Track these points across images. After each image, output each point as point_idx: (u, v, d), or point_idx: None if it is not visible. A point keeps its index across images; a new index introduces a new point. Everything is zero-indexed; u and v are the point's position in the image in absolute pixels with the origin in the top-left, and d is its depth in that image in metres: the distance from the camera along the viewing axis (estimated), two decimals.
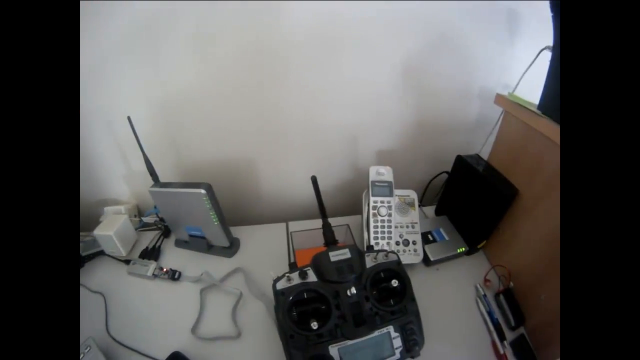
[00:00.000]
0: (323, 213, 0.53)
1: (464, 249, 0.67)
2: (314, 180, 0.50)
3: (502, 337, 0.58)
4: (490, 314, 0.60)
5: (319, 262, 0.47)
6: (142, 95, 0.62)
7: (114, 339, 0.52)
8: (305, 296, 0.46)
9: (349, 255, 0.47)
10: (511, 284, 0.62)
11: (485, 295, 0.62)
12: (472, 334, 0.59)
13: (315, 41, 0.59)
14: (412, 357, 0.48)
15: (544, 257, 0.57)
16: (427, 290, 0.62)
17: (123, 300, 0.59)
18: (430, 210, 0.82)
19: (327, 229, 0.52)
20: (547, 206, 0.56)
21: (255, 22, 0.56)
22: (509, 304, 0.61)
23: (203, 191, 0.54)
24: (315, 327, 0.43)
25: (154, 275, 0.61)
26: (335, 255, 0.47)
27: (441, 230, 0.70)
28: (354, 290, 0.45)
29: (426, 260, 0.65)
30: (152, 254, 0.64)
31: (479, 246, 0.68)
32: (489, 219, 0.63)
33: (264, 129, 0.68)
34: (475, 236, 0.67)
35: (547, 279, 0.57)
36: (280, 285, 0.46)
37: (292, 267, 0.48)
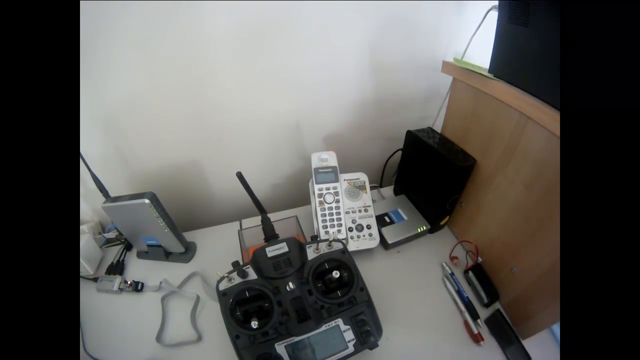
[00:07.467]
0: (259, 207, 0.51)
1: (424, 227, 0.64)
2: (239, 175, 0.48)
3: (474, 316, 0.55)
4: (459, 292, 0.57)
5: (257, 259, 0.46)
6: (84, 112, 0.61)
7: (91, 356, 0.53)
8: (247, 295, 0.45)
9: (286, 249, 0.45)
10: (479, 258, 0.58)
11: (452, 274, 0.59)
12: (442, 316, 0.56)
13: (245, 30, 0.57)
14: (370, 349, 0.47)
15: (511, 227, 0.54)
16: (389, 274, 0.60)
17: (95, 317, 0.59)
18: (389, 190, 0.78)
19: (265, 224, 0.51)
20: (508, 173, 0.52)
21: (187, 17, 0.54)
22: (480, 280, 0.57)
23: (147, 201, 0.54)
24: (255, 326, 0.42)
25: (120, 289, 0.61)
26: (272, 251, 0.45)
27: (399, 210, 0.67)
28: (291, 285, 0.43)
29: (384, 244, 0.62)
30: (117, 268, 0.64)
31: (442, 223, 0.64)
32: (447, 194, 0.60)
33: (204, 128, 0.66)
34: (436, 213, 0.63)
35: (517, 250, 0.54)
36: (222, 285, 0.45)
37: (235, 266, 0.47)
